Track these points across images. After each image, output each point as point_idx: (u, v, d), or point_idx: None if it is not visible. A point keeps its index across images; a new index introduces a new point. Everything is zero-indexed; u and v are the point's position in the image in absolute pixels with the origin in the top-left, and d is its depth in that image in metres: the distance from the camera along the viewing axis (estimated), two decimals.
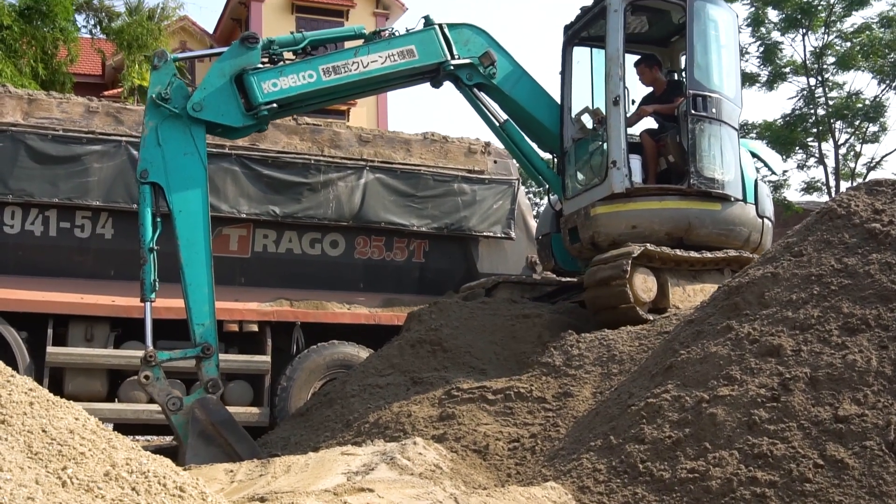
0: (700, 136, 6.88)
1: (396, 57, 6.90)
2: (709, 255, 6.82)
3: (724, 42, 7.35)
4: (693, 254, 6.76)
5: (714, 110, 6.93)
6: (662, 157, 7.26)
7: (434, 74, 7.23)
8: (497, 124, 7.49)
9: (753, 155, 7.88)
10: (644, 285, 6.51)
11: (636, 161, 7.07)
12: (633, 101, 7.55)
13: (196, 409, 5.79)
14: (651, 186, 7.04)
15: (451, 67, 7.12)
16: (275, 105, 6.46)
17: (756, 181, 7.40)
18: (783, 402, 4.00)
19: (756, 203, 7.26)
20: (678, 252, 6.71)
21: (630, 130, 7.27)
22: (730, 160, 7.02)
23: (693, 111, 6.84)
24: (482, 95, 7.43)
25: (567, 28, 7.85)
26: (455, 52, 7.15)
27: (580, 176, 7.55)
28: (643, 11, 7.69)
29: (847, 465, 3.64)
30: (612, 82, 7.06)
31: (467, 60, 7.22)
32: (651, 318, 6.36)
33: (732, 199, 7.02)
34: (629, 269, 6.35)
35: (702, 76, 7.01)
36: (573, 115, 7.53)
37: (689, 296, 6.68)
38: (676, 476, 3.94)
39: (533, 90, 7.60)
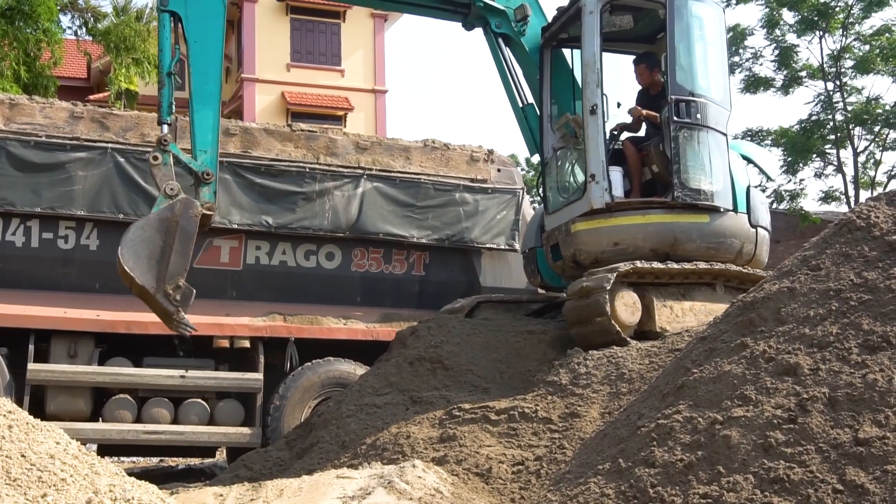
0: (685, 145, 6.64)
1: None
2: (688, 266, 6.50)
3: (709, 40, 7.13)
4: (672, 265, 6.48)
5: (699, 116, 6.69)
6: (647, 167, 7.04)
7: (465, 11, 7.44)
8: (519, 105, 7.62)
9: (746, 159, 7.63)
10: (627, 310, 6.28)
11: (617, 173, 6.83)
12: (619, 105, 7.34)
13: (180, 202, 6.09)
14: (633, 200, 6.80)
15: (482, 4, 7.30)
16: None
17: (748, 188, 7.13)
18: (800, 424, 3.88)
19: (749, 212, 7.00)
20: (657, 265, 6.43)
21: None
22: (718, 168, 6.78)
23: (676, 118, 6.60)
24: (507, 52, 7.53)
25: (544, 30, 7.67)
26: None
27: (561, 188, 7.35)
28: (625, 10, 7.46)
29: (867, 491, 3.51)
30: (588, 90, 6.82)
31: (501, 7, 7.40)
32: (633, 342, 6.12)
33: (722, 209, 6.78)
34: (609, 299, 6.11)
35: (685, 79, 6.77)
36: (554, 123, 7.35)
37: (678, 316, 6.45)
38: (688, 501, 3.81)
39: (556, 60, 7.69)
